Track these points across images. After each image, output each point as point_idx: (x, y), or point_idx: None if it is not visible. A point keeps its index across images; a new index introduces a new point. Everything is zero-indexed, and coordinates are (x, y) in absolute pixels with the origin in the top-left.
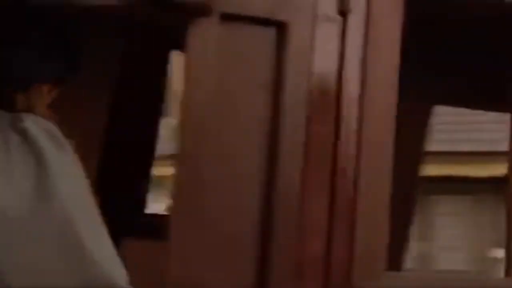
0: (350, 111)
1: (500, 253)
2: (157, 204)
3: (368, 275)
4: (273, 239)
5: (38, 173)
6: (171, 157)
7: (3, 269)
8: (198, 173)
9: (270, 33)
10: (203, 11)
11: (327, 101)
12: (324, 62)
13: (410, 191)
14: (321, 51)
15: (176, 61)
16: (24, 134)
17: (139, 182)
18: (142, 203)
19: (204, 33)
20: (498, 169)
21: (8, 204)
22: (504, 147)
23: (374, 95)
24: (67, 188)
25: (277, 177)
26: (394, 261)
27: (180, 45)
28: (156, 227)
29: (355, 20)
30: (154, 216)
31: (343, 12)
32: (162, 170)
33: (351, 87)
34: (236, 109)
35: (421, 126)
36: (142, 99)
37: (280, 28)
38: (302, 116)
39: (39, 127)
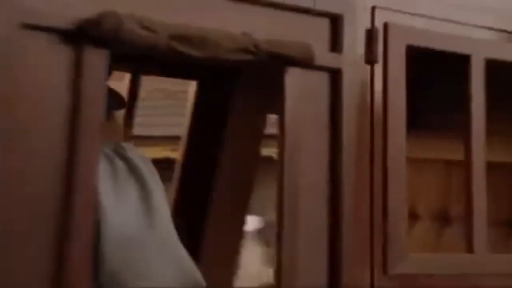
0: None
1: None
2: None
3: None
4: (341, 240)
5: (142, 195)
6: None
7: (124, 275)
8: (293, 183)
9: (325, 77)
10: (308, 64)
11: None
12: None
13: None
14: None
15: None
16: (127, 161)
17: None
18: None
19: (297, 79)
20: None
21: (123, 221)
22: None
23: (393, 124)
24: (162, 206)
25: (339, 194)
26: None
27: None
28: None
29: (378, 69)
30: None
31: (371, 62)
32: None
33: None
34: (308, 140)
35: None
36: None
37: (335, 74)
38: (354, 142)
39: (136, 153)
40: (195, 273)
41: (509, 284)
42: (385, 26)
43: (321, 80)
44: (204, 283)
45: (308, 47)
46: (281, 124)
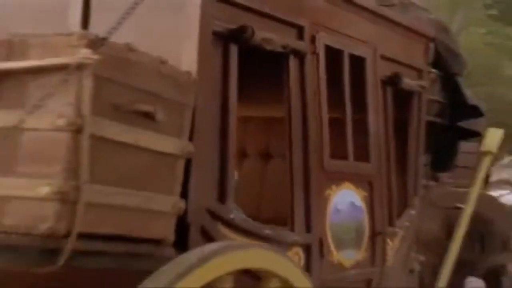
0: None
1: None
2: None
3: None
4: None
5: None
6: None
7: None
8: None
9: (297, 61)
10: (306, 53)
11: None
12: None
13: None
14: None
15: None
16: None
17: None
18: None
19: (292, 63)
20: None
21: None
22: None
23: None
24: None
25: (307, 127)
26: None
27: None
28: None
29: (317, 58)
30: None
31: (314, 53)
32: None
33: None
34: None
35: None
36: None
37: (301, 57)
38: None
39: None
40: None
41: None
42: (318, 33)
43: (295, 62)
44: None
45: (304, 44)
46: (288, 91)
